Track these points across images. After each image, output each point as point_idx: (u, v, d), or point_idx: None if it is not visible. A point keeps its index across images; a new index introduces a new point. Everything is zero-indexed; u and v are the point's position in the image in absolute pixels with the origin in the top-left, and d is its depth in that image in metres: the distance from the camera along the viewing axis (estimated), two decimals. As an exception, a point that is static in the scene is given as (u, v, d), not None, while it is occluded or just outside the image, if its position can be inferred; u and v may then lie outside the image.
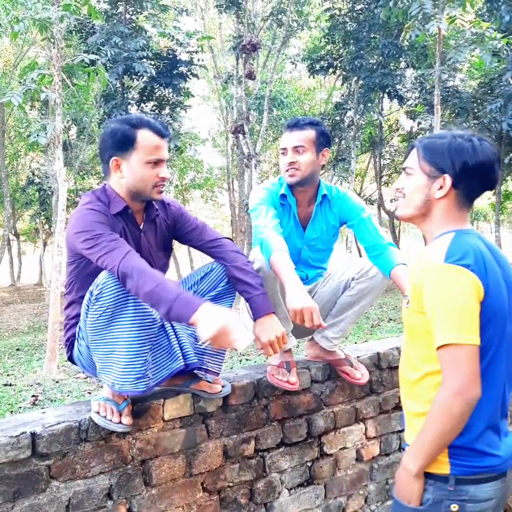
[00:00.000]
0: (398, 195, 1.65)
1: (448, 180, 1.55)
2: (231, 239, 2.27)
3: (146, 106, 15.19)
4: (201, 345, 1.96)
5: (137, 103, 14.68)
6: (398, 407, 2.80)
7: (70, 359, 2.16)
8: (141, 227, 2.14)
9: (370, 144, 19.69)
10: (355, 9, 14.99)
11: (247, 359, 7.49)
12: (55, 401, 6.07)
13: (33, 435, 1.82)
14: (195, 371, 2.15)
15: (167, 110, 14.99)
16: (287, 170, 2.42)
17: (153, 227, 2.18)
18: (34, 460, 1.82)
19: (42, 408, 5.70)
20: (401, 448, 2.80)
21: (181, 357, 2.03)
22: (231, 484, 2.25)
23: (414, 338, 1.59)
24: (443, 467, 1.49)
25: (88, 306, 1.92)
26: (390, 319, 10.35)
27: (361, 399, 2.66)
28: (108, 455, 1.96)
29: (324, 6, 16.00)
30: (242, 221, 16.18)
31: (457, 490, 1.47)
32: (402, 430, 2.81)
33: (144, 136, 2.01)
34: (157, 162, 2.03)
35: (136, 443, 2.02)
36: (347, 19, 14.85)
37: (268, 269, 2.25)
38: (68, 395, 6.36)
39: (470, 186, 1.56)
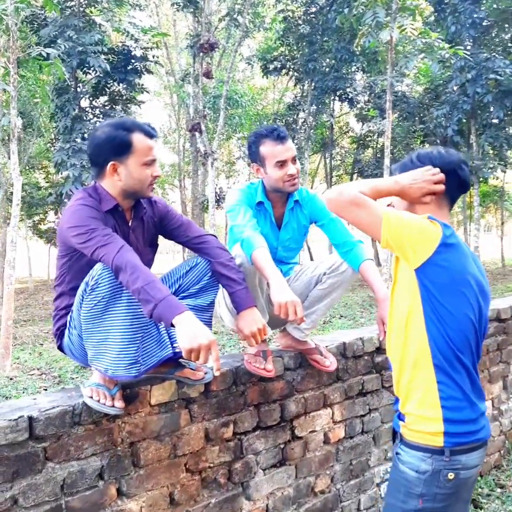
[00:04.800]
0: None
1: None
2: (215, 236, 2.41)
3: (98, 100, 15.05)
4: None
5: (90, 98, 14.53)
6: (361, 393, 3.01)
7: (60, 348, 2.25)
8: (130, 224, 2.25)
9: (321, 145, 20.11)
10: (309, 12, 15.32)
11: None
12: (10, 398, 5.99)
13: (30, 418, 1.91)
14: (180, 360, 2.29)
15: (120, 106, 14.89)
16: (289, 181, 2.52)
17: (141, 224, 2.29)
18: (31, 443, 1.91)
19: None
20: (363, 432, 3.01)
21: (170, 345, 2.16)
22: (211, 465, 2.40)
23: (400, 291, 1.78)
24: (437, 440, 1.69)
25: (82, 296, 2.02)
26: (341, 316, 10.66)
27: (328, 385, 2.85)
28: (99, 438, 2.07)
29: (277, 8, 16.24)
30: (196, 219, 16.23)
31: (452, 460, 1.67)
32: (365, 415, 3.03)
33: (138, 139, 2.11)
34: (150, 163, 2.15)
35: (125, 427, 2.14)
36: (301, 22, 15.15)
37: (249, 264, 2.40)
38: (23, 392, 6.29)
39: (445, 186, 1.77)
